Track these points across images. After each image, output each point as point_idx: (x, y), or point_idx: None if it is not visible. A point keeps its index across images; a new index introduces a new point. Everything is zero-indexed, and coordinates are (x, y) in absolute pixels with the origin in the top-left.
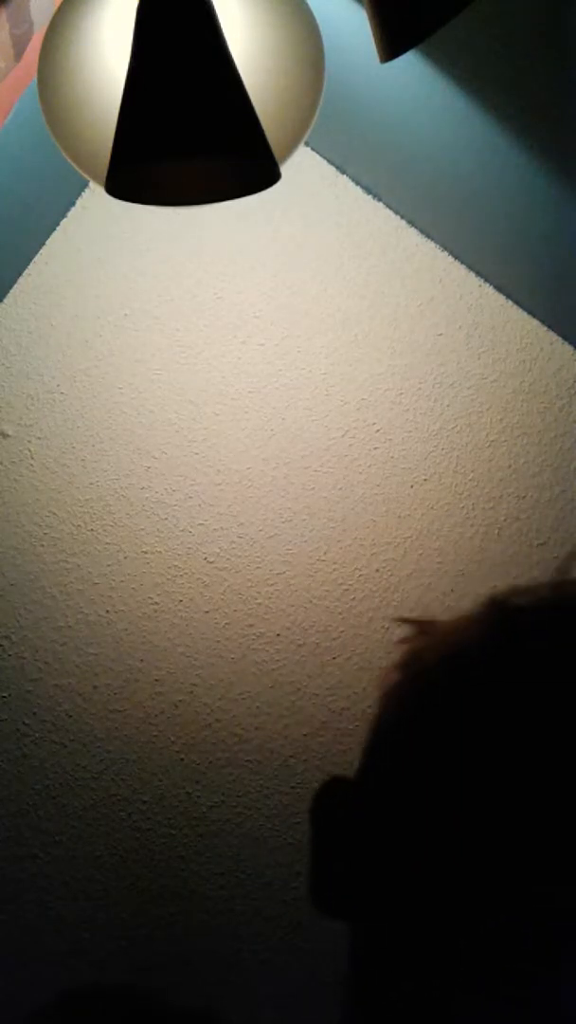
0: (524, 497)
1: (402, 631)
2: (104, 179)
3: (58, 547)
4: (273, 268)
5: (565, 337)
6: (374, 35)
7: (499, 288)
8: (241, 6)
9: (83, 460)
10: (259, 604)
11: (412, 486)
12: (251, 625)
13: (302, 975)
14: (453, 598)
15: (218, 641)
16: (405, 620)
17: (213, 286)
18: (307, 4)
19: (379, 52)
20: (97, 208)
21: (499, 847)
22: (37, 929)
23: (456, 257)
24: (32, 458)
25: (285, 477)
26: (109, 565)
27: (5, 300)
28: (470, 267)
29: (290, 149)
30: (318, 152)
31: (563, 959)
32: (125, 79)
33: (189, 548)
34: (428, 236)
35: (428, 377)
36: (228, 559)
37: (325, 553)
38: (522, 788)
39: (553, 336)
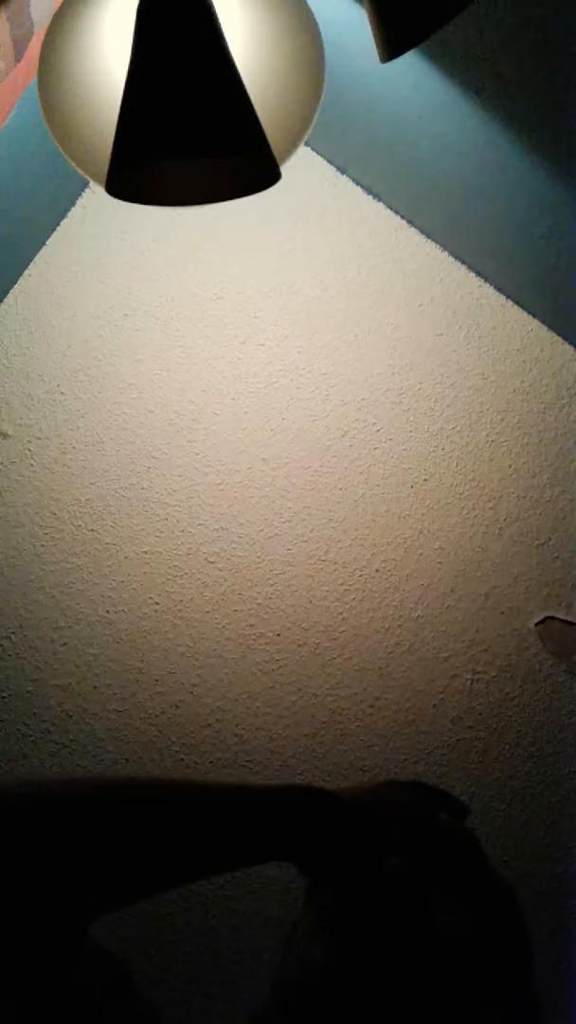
0: (524, 497)
1: None
2: (104, 179)
3: (59, 547)
4: (273, 268)
5: (565, 337)
6: (374, 35)
7: (499, 288)
8: (241, 6)
9: (83, 460)
10: (259, 604)
11: (412, 486)
12: (251, 625)
13: None
14: (453, 598)
15: (218, 641)
16: None
17: (213, 286)
18: (307, 4)
19: (379, 52)
20: (97, 208)
21: None
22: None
23: (456, 257)
24: (32, 458)
25: (285, 477)
26: (109, 565)
27: (5, 300)
28: (470, 267)
29: (290, 149)
30: (318, 152)
31: None
32: (125, 79)
33: (189, 548)
34: (428, 236)
35: (428, 377)
36: (228, 559)
37: (325, 553)
38: None
39: (553, 336)
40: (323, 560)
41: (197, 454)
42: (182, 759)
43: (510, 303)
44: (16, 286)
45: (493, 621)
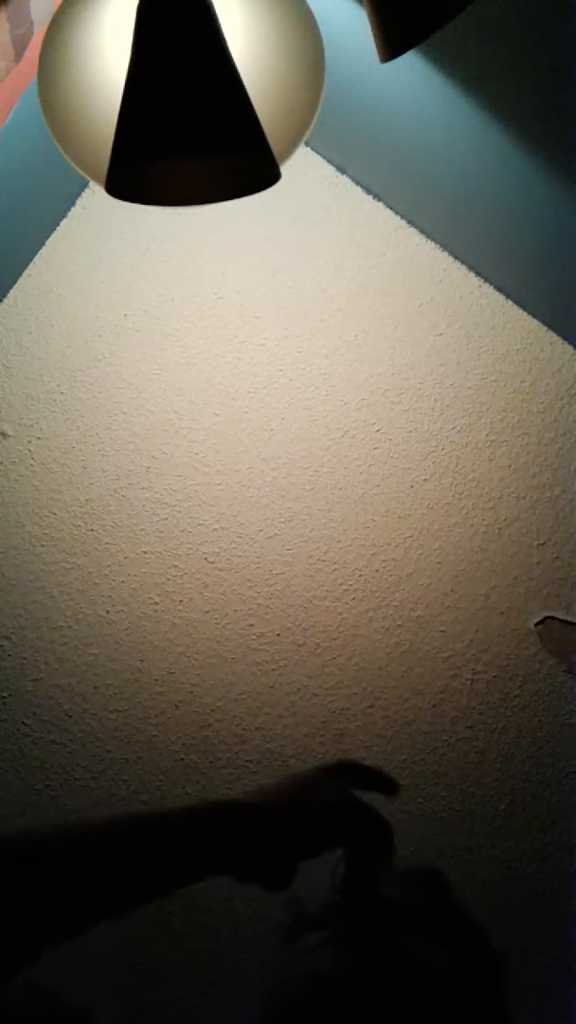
0: (524, 497)
1: None
2: (104, 179)
3: (58, 547)
4: (273, 268)
5: (565, 337)
6: (374, 35)
7: (499, 288)
8: (241, 6)
9: (83, 460)
10: (259, 604)
11: (412, 486)
12: (251, 625)
13: None
14: (453, 598)
15: (218, 641)
16: None
17: (213, 286)
18: (307, 4)
19: (379, 52)
20: (97, 208)
21: None
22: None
23: (456, 257)
24: (32, 458)
25: (285, 477)
26: (109, 565)
27: (5, 300)
28: (470, 267)
29: (290, 149)
30: (318, 152)
31: None
32: (125, 79)
33: (189, 548)
34: (428, 236)
35: (428, 377)
36: (228, 559)
37: (325, 553)
38: None
39: (553, 336)
40: (323, 560)
41: (197, 454)
42: (182, 759)
43: (510, 303)
44: (16, 286)
45: (493, 621)
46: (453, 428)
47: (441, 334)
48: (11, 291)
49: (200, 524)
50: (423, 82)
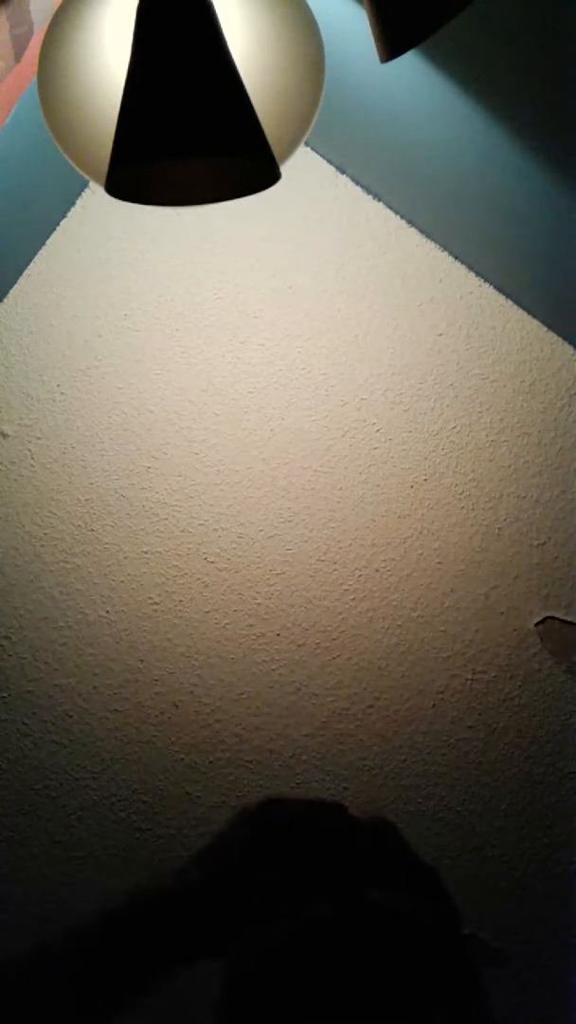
0: (524, 497)
1: None
2: (104, 179)
3: (58, 547)
4: (273, 268)
5: (565, 337)
6: (374, 35)
7: (499, 288)
8: (241, 6)
9: (83, 460)
10: (259, 604)
11: (412, 486)
12: (251, 625)
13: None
14: (453, 598)
15: (218, 641)
16: None
17: (213, 286)
18: (307, 4)
19: (379, 52)
20: (97, 208)
21: None
22: (37, 930)
23: (456, 257)
24: (32, 458)
25: (285, 477)
26: (109, 565)
27: (5, 300)
28: (470, 267)
29: (290, 149)
30: (318, 152)
31: None
32: (125, 79)
33: (189, 548)
34: (428, 236)
35: (428, 377)
36: (228, 559)
37: (325, 553)
38: None
39: (553, 336)
40: (323, 560)
41: (197, 454)
42: (182, 759)
43: (510, 303)
44: (16, 286)
45: (493, 621)
46: (453, 428)
47: (441, 334)
48: (11, 291)
49: (200, 524)
50: (423, 82)
